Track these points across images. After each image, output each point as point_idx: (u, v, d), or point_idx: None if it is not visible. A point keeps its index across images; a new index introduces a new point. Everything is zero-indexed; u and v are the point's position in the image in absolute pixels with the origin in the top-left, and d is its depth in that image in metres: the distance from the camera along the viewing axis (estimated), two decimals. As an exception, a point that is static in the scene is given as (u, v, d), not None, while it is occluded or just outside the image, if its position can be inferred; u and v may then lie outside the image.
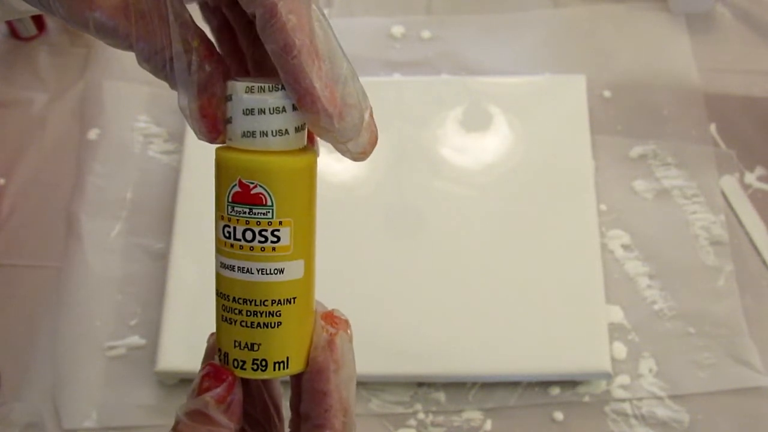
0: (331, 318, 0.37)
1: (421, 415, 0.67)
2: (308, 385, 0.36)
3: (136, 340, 0.69)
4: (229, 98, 0.33)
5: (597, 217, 0.71)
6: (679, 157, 0.76)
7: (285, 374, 0.35)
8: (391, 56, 0.82)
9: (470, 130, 0.75)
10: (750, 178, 0.75)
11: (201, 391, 0.35)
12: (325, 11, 0.85)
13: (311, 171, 0.35)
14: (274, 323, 0.34)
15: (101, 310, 0.71)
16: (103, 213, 0.75)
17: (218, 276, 0.35)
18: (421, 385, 0.68)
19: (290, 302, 0.34)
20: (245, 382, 0.36)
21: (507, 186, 0.73)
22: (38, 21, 0.84)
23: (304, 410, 0.36)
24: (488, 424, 0.66)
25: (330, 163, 0.74)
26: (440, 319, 0.68)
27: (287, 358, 0.35)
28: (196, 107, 0.33)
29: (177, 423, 0.35)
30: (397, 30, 0.83)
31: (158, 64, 0.33)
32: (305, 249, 0.35)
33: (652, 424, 0.65)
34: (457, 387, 0.67)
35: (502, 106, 0.76)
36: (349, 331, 0.37)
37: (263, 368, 0.35)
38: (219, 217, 0.34)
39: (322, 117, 0.32)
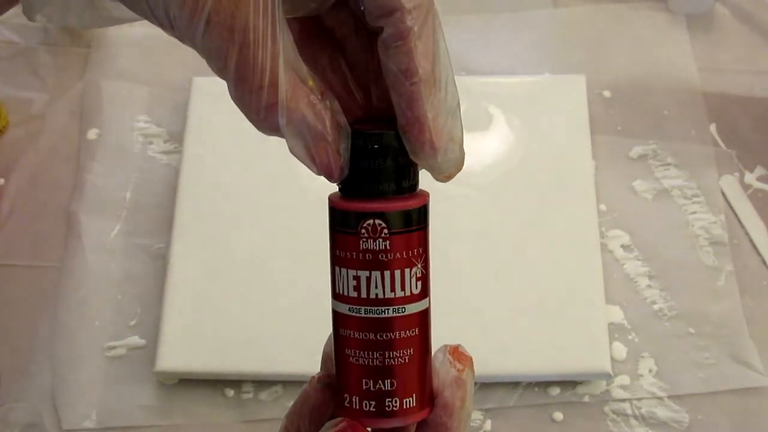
0: (458, 353, 0.37)
1: (421, 416, 0.66)
2: (431, 418, 0.35)
3: (135, 340, 0.69)
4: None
5: (597, 217, 0.71)
6: (679, 157, 0.76)
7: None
8: (391, 56, 0.82)
9: (470, 130, 0.74)
10: (750, 178, 0.75)
11: None
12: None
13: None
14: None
15: (101, 310, 0.71)
16: (102, 213, 0.75)
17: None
18: (421, 385, 0.68)
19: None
20: None
21: (506, 186, 0.72)
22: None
23: None
24: (488, 425, 0.66)
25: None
26: (439, 319, 0.67)
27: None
28: (315, 155, 0.31)
29: None
30: (397, 30, 0.83)
31: (254, 104, 0.29)
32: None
33: (652, 425, 0.65)
34: (457, 387, 0.67)
35: (502, 106, 0.76)
36: (473, 369, 0.36)
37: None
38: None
39: (426, 148, 0.31)
